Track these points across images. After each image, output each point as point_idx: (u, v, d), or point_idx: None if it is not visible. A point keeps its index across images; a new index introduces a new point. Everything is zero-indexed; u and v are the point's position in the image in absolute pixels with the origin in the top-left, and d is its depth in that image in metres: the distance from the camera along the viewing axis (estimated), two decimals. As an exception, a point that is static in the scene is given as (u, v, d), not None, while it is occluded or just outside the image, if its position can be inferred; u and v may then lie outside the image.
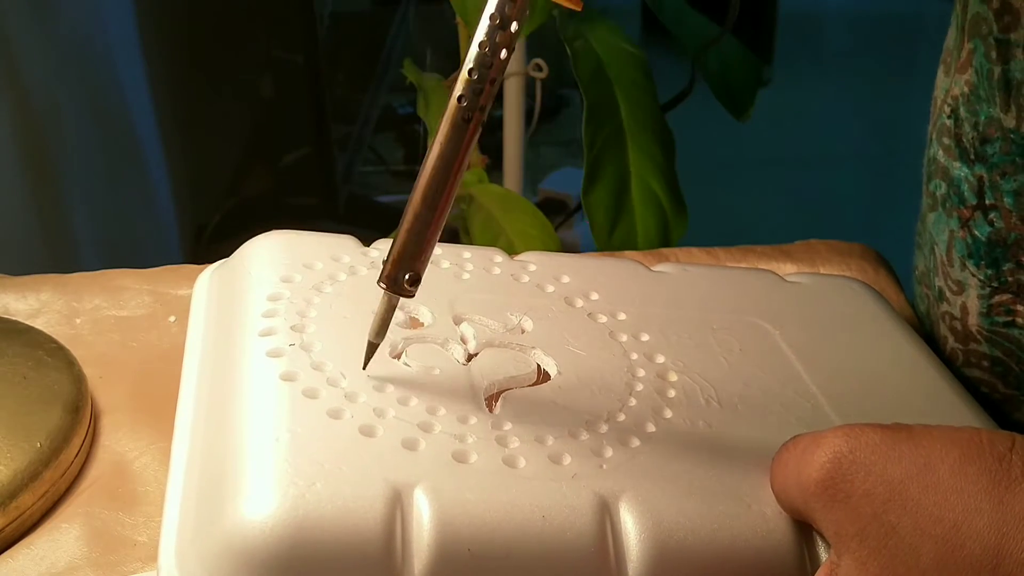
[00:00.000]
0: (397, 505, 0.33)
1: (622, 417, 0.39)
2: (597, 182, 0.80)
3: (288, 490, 0.32)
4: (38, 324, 0.55)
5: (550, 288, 0.47)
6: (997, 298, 0.49)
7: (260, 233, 0.47)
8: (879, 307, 0.51)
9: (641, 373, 0.42)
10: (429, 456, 0.35)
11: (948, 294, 0.52)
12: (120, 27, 1.33)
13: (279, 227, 0.48)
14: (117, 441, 0.49)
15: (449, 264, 0.47)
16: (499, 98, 1.09)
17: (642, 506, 0.35)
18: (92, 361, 0.52)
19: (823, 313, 0.50)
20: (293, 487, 0.32)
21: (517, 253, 0.50)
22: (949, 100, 0.50)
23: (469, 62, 0.35)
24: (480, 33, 0.35)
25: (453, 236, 1.02)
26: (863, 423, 0.34)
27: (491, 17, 0.34)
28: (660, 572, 0.34)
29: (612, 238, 0.80)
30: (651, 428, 0.39)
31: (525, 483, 0.35)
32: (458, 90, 0.35)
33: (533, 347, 0.42)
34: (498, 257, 0.48)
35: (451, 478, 0.34)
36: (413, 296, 0.37)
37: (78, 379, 0.49)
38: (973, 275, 0.50)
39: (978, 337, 0.51)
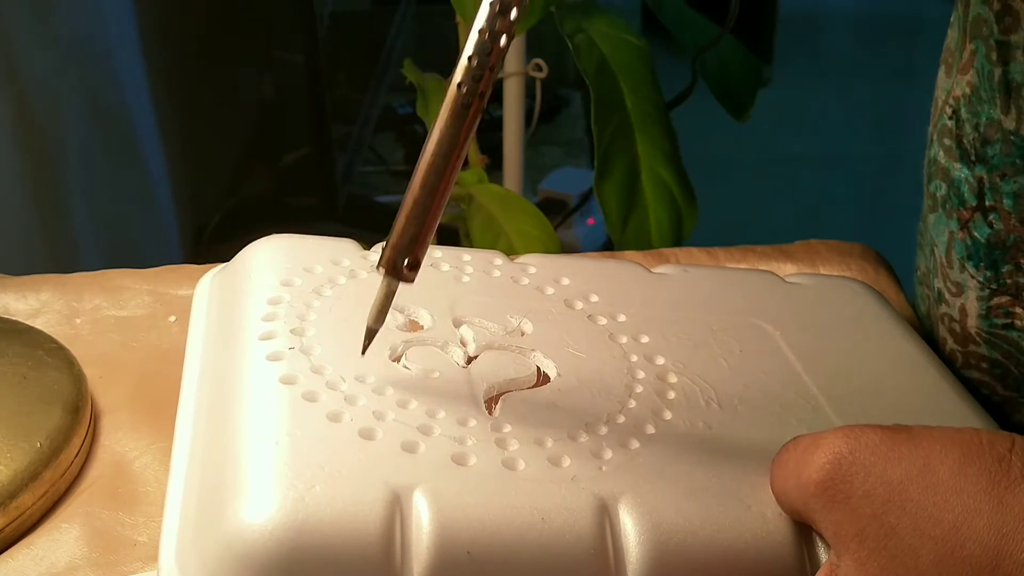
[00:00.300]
0: (396, 508, 0.33)
1: (622, 419, 0.39)
2: (608, 175, 0.80)
3: (288, 493, 0.32)
4: (38, 324, 0.55)
5: (550, 290, 0.47)
6: (996, 300, 0.49)
7: (260, 233, 0.47)
8: (880, 308, 0.51)
9: (641, 375, 0.42)
10: (429, 459, 0.35)
11: (947, 296, 0.52)
12: (120, 27, 1.33)
13: (279, 227, 0.48)
14: (117, 441, 0.49)
15: (449, 267, 0.47)
16: (499, 98, 1.09)
17: (642, 508, 0.35)
18: (92, 361, 0.52)
19: (823, 314, 0.50)
20: (293, 490, 0.32)
21: (517, 253, 0.50)
22: (950, 101, 0.50)
23: (469, 49, 0.35)
24: (480, 19, 0.35)
25: (453, 236, 1.02)
26: (863, 424, 0.34)
27: (491, 4, 0.34)
28: (660, 574, 0.34)
29: (626, 230, 0.80)
30: (651, 430, 0.39)
31: (525, 485, 0.35)
32: (457, 77, 0.35)
33: (533, 349, 0.42)
34: (498, 260, 0.48)
35: (451, 481, 0.34)
36: (412, 281, 0.37)
37: (78, 379, 0.49)
38: (972, 277, 0.50)
39: (977, 339, 0.51)
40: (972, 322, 0.50)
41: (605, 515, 0.35)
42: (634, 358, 0.43)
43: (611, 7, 0.93)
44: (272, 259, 0.45)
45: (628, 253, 0.65)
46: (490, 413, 0.38)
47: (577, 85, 2.00)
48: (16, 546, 0.43)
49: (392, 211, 0.37)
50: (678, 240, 0.82)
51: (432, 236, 0.37)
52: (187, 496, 0.35)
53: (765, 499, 0.37)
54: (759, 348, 0.46)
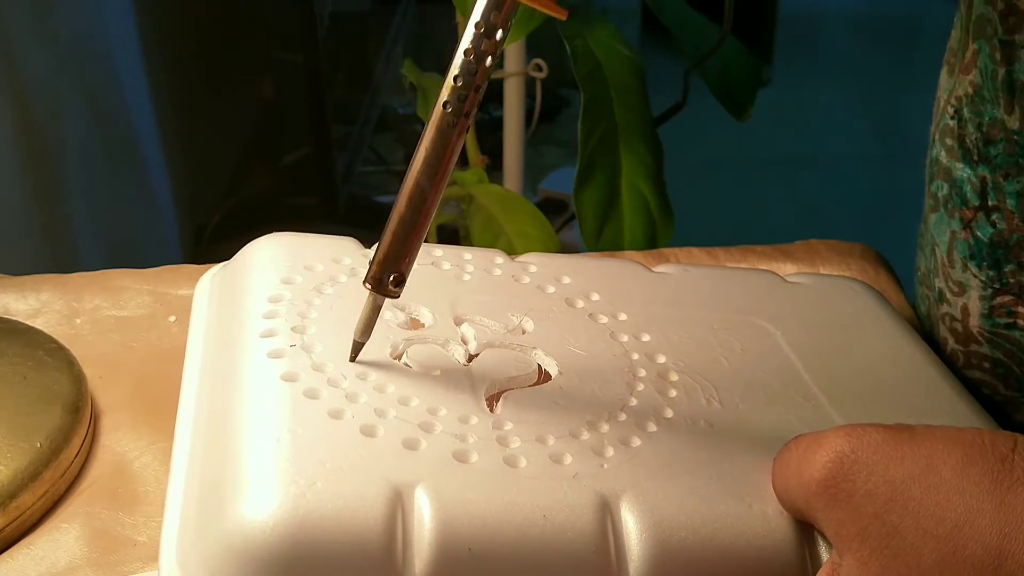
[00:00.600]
0: (398, 505, 0.33)
1: (623, 417, 0.39)
2: (589, 182, 0.80)
3: (289, 490, 0.32)
4: (38, 324, 0.55)
5: (551, 289, 0.47)
6: (999, 299, 0.49)
7: (260, 233, 0.47)
8: (880, 307, 0.51)
9: (642, 373, 0.42)
10: (430, 456, 0.35)
11: (949, 295, 0.52)
12: (120, 27, 1.33)
13: (279, 227, 0.48)
14: (117, 441, 0.49)
15: (450, 265, 0.47)
16: (499, 98, 1.09)
17: (643, 506, 0.35)
18: (92, 361, 0.52)
19: (824, 313, 0.50)
20: (294, 487, 0.32)
21: (517, 253, 0.50)
22: (952, 101, 0.50)
23: (454, 69, 0.35)
24: (465, 41, 0.35)
25: (453, 236, 1.02)
26: (865, 423, 0.34)
27: (476, 25, 0.35)
28: (661, 571, 0.34)
29: (600, 239, 0.80)
30: (652, 428, 0.39)
31: (526, 483, 0.35)
32: (443, 96, 0.36)
33: (534, 348, 0.42)
34: (499, 258, 0.48)
35: (452, 478, 0.34)
36: (397, 297, 0.38)
37: (78, 379, 0.49)
38: (975, 276, 0.50)
39: (979, 339, 0.51)
40: (974, 322, 0.50)
41: (607, 512, 0.35)
42: (635, 356, 0.43)
43: (611, 6, 0.93)
44: (273, 257, 0.45)
45: (628, 253, 0.65)
46: (491, 411, 0.38)
47: (577, 85, 2.00)
48: (16, 546, 0.43)
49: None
50: (650, 254, 0.82)
51: (418, 252, 0.38)
52: (188, 494, 0.35)
53: (767, 497, 0.37)
54: (760, 347, 0.46)
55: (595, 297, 0.47)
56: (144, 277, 0.60)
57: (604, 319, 0.45)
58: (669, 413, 0.40)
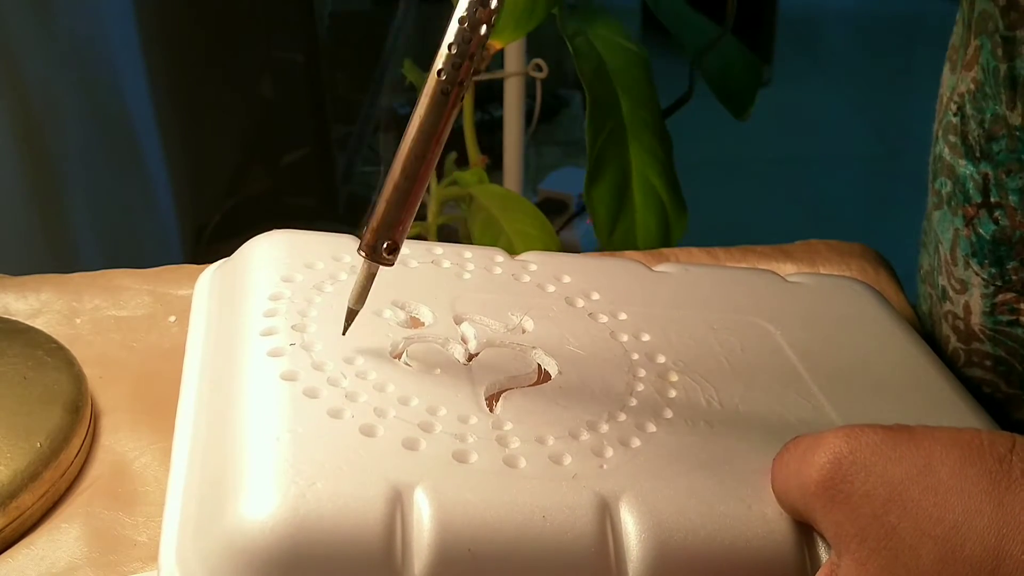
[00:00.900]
0: (397, 505, 0.33)
1: (623, 417, 0.39)
2: (599, 179, 0.80)
3: (289, 489, 0.32)
4: (38, 324, 0.54)
5: (551, 288, 0.47)
6: (1001, 297, 0.49)
7: (260, 233, 0.47)
8: (880, 307, 0.51)
9: (642, 373, 0.42)
10: (430, 456, 0.35)
11: (951, 293, 0.52)
12: (120, 27, 1.33)
13: (279, 227, 0.48)
14: (117, 441, 0.49)
15: (450, 264, 0.47)
16: (499, 98, 1.09)
17: (643, 506, 0.35)
18: (92, 361, 0.52)
19: (824, 313, 0.50)
20: (294, 486, 0.32)
21: (517, 253, 0.50)
22: (955, 98, 0.50)
23: (449, 36, 0.35)
24: (460, 9, 0.35)
25: (453, 236, 1.02)
26: (864, 424, 0.34)
27: None
28: (661, 572, 0.34)
29: (613, 235, 0.80)
30: (652, 428, 0.39)
31: (526, 483, 0.35)
32: (438, 64, 0.36)
33: (534, 347, 0.42)
34: (499, 257, 0.48)
35: (452, 478, 0.34)
36: (392, 264, 0.38)
37: (78, 379, 0.49)
38: (977, 274, 0.50)
39: (981, 336, 0.51)
40: (976, 319, 0.50)
41: (606, 513, 0.35)
42: (635, 356, 0.43)
43: (611, 5, 0.93)
44: (273, 255, 0.45)
45: (628, 252, 0.65)
46: (491, 411, 0.38)
47: (577, 85, 2.00)
48: (16, 546, 0.43)
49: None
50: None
51: (412, 221, 0.38)
52: (187, 493, 0.35)
53: (766, 498, 0.37)
54: (760, 347, 0.46)
55: (595, 296, 0.47)
56: (144, 277, 0.60)
57: (604, 318, 0.45)
58: (669, 413, 0.40)
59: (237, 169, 1.69)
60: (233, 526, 0.32)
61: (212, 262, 0.49)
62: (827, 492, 0.33)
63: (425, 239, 0.83)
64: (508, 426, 0.37)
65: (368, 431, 0.35)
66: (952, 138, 0.50)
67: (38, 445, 0.45)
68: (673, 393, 0.41)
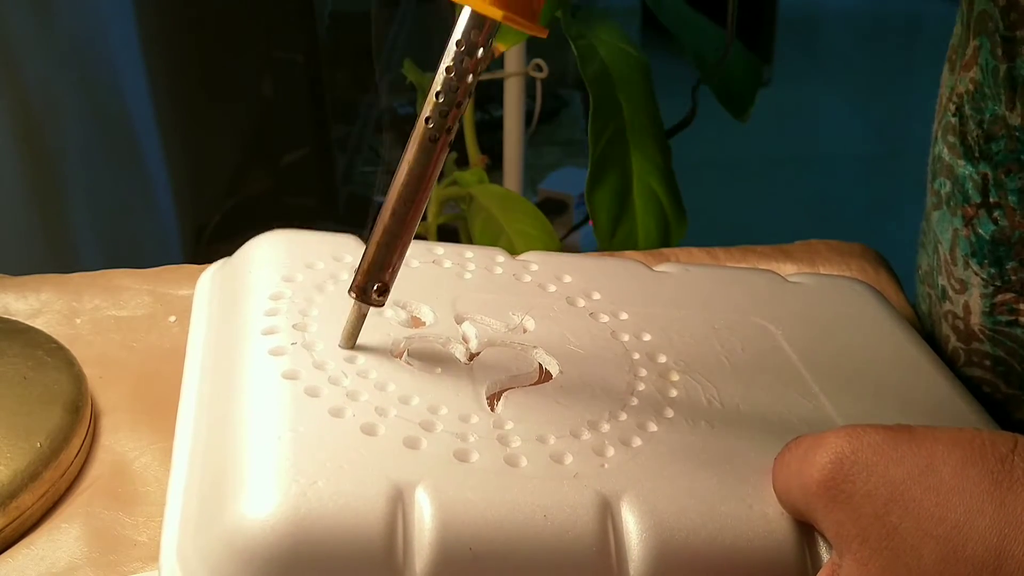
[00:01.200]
0: (399, 504, 0.33)
1: (624, 416, 0.39)
2: (601, 183, 0.80)
3: (290, 488, 0.32)
4: (38, 324, 0.54)
5: (552, 288, 0.47)
6: (1000, 297, 0.49)
7: (260, 233, 0.47)
8: (881, 307, 0.51)
9: (643, 373, 0.42)
10: (431, 455, 0.35)
11: (951, 293, 0.52)
12: (120, 27, 1.33)
13: (279, 227, 0.48)
14: (117, 441, 0.49)
15: (451, 263, 0.47)
16: (499, 98, 1.09)
17: (644, 506, 0.35)
18: (92, 361, 0.52)
19: (825, 313, 0.50)
20: (295, 485, 0.32)
21: (518, 253, 0.50)
22: (954, 98, 0.50)
23: (436, 85, 0.36)
24: (447, 58, 0.36)
25: (453, 236, 1.02)
26: (865, 424, 0.34)
27: (457, 43, 0.36)
28: (661, 572, 0.34)
29: (614, 239, 0.80)
30: (653, 428, 0.39)
31: (527, 482, 0.35)
32: (425, 112, 0.37)
33: (535, 346, 0.42)
34: (500, 257, 0.48)
35: (453, 477, 0.34)
36: (382, 306, 0.39)
37: (78, 379, 0.49)
38: (976, 274, 0.50)
39: (980, 336, 0.51)
40: (976, 319, 0.50)
41: (607, 513, 0.35)
42: (636, 356, 0.43)
43: (611, 6, 0.93)
44: (274, 254, 0.45)
45: (629, 252, 0.65)
46: (492, 410, 0.38)
47: (577, 85, 2.00)
48: (16, 546, 0.43)
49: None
50: (664, 252, 0.82)
51: (402, 262, 0.39)
52: (188, 492, 0.35)
53: (767, 498, 0.37)
54: (761, 347, 0.46)
55: (596, 296, 0.47)
56: (144, 277, 0.60)
57: (605, 318, 0.45)
58: (670, 413, 0.40)
59: (237, 169, 1.69)
60: (234, 525, 0.32)
61: (212, 262, 0.49)
62: (828, 492, 0.33)
63: (425, 239, 0.84)
64: (509, 425, 0.37)
65: (369, 430, 0.35)
66: (951, 138, 0.50)
67: (38, 445, 0.45)
68: (674, 393, 0.41)
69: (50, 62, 1.10)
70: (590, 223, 0.81)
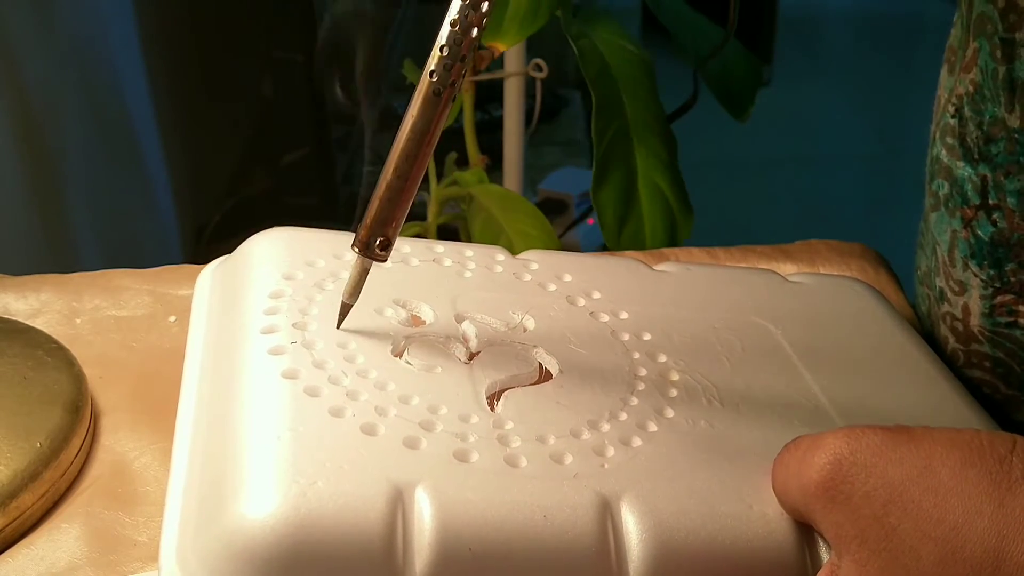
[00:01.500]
0: (398, 504, 0.33)
1: (624, 416, 0.39)
2: (606, 181, 0.80)
3: (290, 488, 0.32)
4: (38, 324, 0.54)
5: (552, 287, 0.47)
6: (999, 298, 0.49)
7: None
8: (881, 307, 0.51)
9: (643, 372, 0.42)
10: (431, 455, 0.35)
11: (949, 294, 0.52)
12: (120, 27, 1.33)
13: (279, 226, 0.48)
14: (117, 441, 0.49)
15: (451, 262, 0.47)
16: (499, 98, 1.09)
17: (643, 506, 0.35)
18: (92, 361, 0.52)
19: (825, 313, 0.50)
20: (295, 485, 0.32)
21: (517, 253, 0.50)
22: (953, 99, 0.50)
23: (441, 39, 0.36)
24: (452, 12, 0.36)
25: (453, 236, 1.02)
26: (864, 425, 0.34)
27: None
28: (661, 572, 0.34)
29: (621, 237, 0.80)
30: (653, 427, 0.39)
31: (526, 482, 0.35)
32: (430, 65, 0.36)
33: (535, 346, 0.42)
34: (500, 256, 0.48)
35: (452, 477, 0.34)
36: (384, 260, 0.39)
37: (78, 379, 0.49)
38: (975, 275, 0.50)
39: (980, 338, 0.50)
40: (975, 321, 0.50)
41: (607, 513, 0.35)
42: (636, 355, 0.43)
43: (611, 6, 0.93)
44: (274, 252, 0.45)
45: (628, 252, 0.65)
46: (492, 409, 0.38)
47: (577, 85, 2.00)
48: (16, 546, 0.43)
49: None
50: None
51: (404, 218, 0.39)
52: (188, 492, 0.35)
53: (766, 499, 0.37)
54: (761, 346, 0.46)
55: (596, 295, 0.47)
56: (144, 277, 0.60)
57: (605, 317, 0.45)
58: (670, 413, 0.40)
59: (237, 169, 1.69)
60: (234, 525, 0.32)
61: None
62: (827, 493, 0.33)
63: (425, 239, 0.84)
64: (509, 425, 0.37)
65: (369, 430, 0.35)
66: (950, 140, 0.50)
67: (38, 445, 0.45)
68: (674, 392, 0.41)
69: (50, 62, 1.10)
70: (589, 221, 0.81)
